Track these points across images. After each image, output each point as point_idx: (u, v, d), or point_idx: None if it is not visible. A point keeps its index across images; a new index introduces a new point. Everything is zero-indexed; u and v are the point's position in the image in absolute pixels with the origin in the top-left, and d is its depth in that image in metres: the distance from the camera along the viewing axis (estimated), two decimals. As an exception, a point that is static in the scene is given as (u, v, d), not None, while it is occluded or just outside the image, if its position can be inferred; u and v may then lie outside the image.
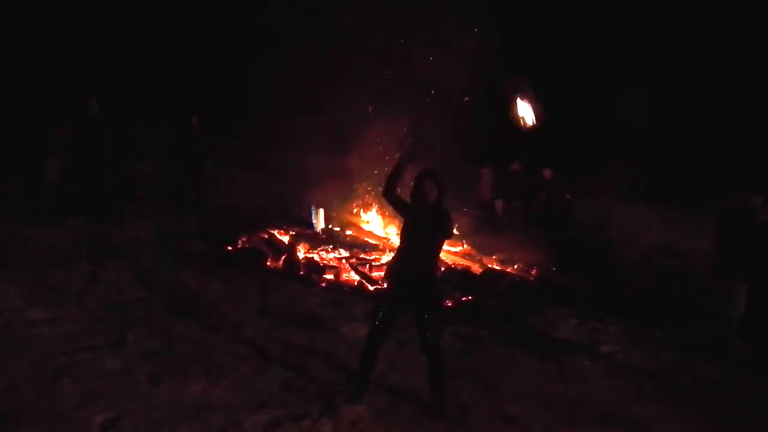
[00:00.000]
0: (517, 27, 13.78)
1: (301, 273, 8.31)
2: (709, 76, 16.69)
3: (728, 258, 6.50)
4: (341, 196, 11.30)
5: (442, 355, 4.65)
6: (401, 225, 4.74)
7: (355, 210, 11.42)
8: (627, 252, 10.30)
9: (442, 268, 8.83)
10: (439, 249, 4.68)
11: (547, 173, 12.26)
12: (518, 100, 9.74)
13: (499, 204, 12.74)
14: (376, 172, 10.77)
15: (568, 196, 12.49)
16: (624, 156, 13.59)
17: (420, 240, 4.57)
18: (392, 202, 4.70)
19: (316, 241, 9.53)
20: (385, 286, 5.19)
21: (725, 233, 6.58)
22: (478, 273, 8.85)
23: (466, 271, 8.80)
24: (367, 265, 8.75)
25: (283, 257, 8.64)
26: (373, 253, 9.36)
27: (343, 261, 8.93)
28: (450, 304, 7.57)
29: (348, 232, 10.35)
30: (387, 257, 8.94)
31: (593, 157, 14.21)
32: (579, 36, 16.41)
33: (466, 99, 10.82)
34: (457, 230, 10.92)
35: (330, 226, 10.16)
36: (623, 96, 14.76)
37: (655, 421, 4.95)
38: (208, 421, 4.27)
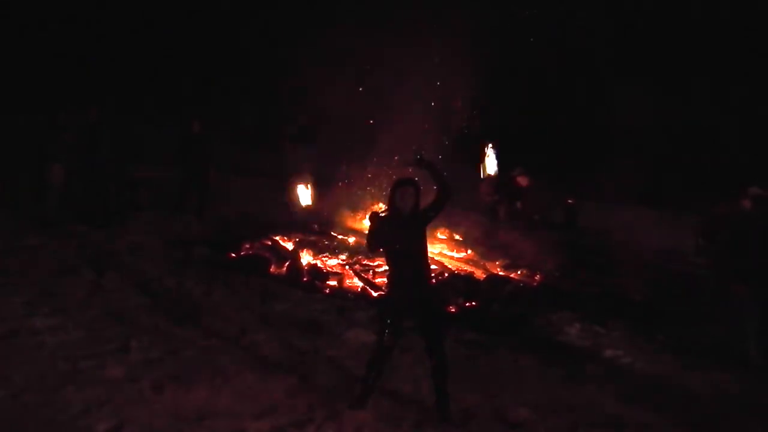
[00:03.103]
0: (515, 28, 13.78)
1: (305, 279, 8.30)
2: (709, 76, 16.69)
3: (727, 262, 6.45)
4: (347, 202, 11.32)
5: (446, 360, 4.64)
6: (384, 253, 4.73)
7: (358, 216, 11.41)
8: (630, 255, 10.28)
9: (446, 274, 8.83)
10: (425, 252, 4.64)
11: (523, 181, 11.63)
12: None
13: (501, 208, 12.71)
14: (392, 173, 10.84)
15: (570, 201, 12.45)
16: (626, 159, 13.59)
17: (405, 256, 4.56)
18: (378, 249, 4.77)
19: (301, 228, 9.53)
20: (386, 297, 5.19)
21: (718, 236, 6.56)
22: (482, 278, 8.84)
23: (469, 277, 8.79)
24: (371, 271, 8.75)
25: (287, 263, 8.63)
26: (377, 259, 9.35)
27: (347, 267, 8.94)
28: (453, 310, 7.56)
29: (351, 239, 10.34)
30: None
31: (594, 161, 14.20)
32: (578, 36, 16.42)
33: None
34: (460, 237, 10.94)
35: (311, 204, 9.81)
36: (624, 98, 14.78)
37: (659, 427, 4.94)
38: (211, 427, 4.27)
